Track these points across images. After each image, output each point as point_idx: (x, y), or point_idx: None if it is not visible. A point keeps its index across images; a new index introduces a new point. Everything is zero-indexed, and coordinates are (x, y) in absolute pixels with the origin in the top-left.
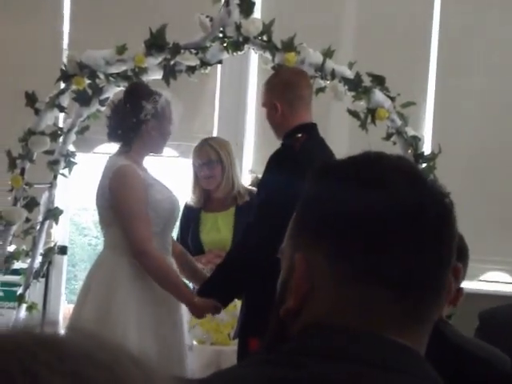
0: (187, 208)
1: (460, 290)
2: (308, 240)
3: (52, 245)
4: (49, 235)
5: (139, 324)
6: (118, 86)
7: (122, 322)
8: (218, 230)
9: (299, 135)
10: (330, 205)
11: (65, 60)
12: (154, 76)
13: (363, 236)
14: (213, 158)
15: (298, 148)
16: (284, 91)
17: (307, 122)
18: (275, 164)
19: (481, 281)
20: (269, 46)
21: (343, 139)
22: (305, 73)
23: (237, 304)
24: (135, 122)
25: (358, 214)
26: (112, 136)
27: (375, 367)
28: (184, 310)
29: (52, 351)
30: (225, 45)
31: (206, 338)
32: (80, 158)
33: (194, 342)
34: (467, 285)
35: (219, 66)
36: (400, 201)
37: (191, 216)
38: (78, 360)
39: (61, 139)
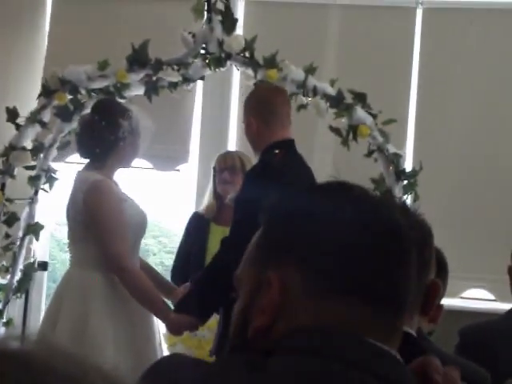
0: (196, 217)
1: (440, 306)
2: (280, 259)
3: (32, 260)
4: (29, 251)
5: (116, 340)
6: None
7: (98, 340)
8: None
9: (277, 151)
10: (306, 223)
11: (46, 75)
12: (136, 92)
13: (341, 253)
14: (237, 164)
15: (275, 164)
16: (258, 108)
17: (284, 138)
18: (252, 180)
19: (462, 298)
20: (251, 62)
21: (328, 156)
22: (282, 90)
23: (219, 320)
24: (113, 139)
25: (333, 233)
26: (86, 154)
27: (377, 377)
28: (158, 326)
29: (19, 365)
30: (207, 61)
31: (187, 355)
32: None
33: None
34: (448, 302)
35: (202, 82)
36: (376, 220)
37: (199, 225)
38: (45, 374)
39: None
